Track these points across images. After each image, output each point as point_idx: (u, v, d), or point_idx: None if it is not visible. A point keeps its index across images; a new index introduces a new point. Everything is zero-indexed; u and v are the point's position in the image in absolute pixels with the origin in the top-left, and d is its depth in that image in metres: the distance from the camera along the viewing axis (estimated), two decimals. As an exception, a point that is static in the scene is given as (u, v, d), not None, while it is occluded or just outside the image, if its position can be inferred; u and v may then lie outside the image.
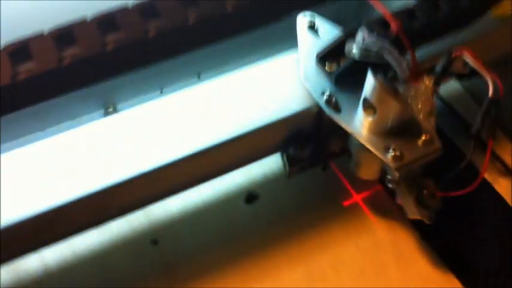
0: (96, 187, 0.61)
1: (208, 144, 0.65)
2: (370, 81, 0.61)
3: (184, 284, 0.72)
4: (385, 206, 0.80)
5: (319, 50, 0.68)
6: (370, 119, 0.63)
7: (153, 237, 0.76)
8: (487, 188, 0.82)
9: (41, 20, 0.67)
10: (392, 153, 0.62)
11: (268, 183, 0.82)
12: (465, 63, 0.68)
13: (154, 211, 0.78)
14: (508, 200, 0.80)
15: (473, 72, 0.68)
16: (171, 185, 0.67)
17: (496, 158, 0.84)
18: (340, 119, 0.65)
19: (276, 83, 0.70)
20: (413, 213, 0.66)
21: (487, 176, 0.80)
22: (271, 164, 0.83)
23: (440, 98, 0.87)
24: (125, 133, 0.65)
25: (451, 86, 0.88)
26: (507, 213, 0.80)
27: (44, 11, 0.74)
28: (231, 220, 0.77)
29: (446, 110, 0.89)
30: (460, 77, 0.70)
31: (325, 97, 0.66)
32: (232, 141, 0.66)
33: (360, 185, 0.82)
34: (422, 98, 0.64)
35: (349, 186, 0.82)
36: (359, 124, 0.65)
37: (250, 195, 0.81)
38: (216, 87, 0.69)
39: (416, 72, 0.63)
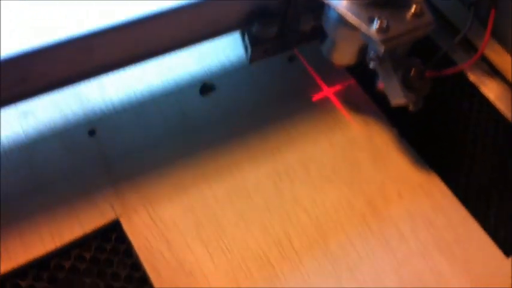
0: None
1: (160, 8, 0.54)
2: None
3: (123, 181, 0.64)
4: (360, 100, 0.73)
5: None
6: (353, -17, 0.54)
7: (91, 128, 0.66)
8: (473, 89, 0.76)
9: None
10: (378, 25, 0.53)
11: (226, 74, 0.73)
12: None
13: (92, 99, 0.69)
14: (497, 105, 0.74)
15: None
16: (113, 53, 0.57)
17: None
18: (316, -14, 0.55)
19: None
20: (397, 96, 0.58)
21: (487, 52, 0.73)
22: (229, 52, 0.74)
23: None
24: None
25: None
26: (494, 117, 0.74)
27: None
28: (183, 112, 0.69)
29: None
30: None
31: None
32: (186, 6, 0.56)
33: (330, 78, 0.74)
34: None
35: (318, 79, 0.74)
36: (338, -10, 0.55)
37: (205, 86, 0.72)
38: None
39: None
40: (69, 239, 0.59)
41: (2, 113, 0.65)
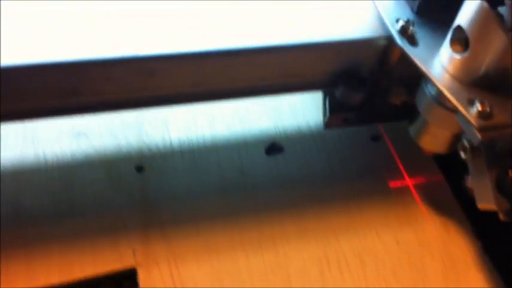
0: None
1: (231, 46, 0.49)
2: (470, 5, 0.44)
3: (155, 227, 0.57)
4: (443, 199, 0.63)
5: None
6: (458, 57, 0.46)
7: (140, 164, 0.61)
8: None
9: None
10: (479, 108, 0.44)
11: (300, 137, 0.66)
12: None
13: (151, 134, 0.65)
14: None
15: None
16: (174, 84, 0.52)
17: None
18: (415, 55, 0.48)
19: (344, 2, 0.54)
20: (486, 199, 0.48)
21: None
22: (308, 114, 0.69)
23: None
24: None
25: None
26: None
27: None
28: (242, 170, 0.63)
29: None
30: None
31: (400, 24, 0.49)
32: (269, 50, 0.50)
33: (415, 167, 0.65)
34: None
35: (401, 166, 0.65)
36: (439, 65, 0.48)
37: (273, 146, 0.65)
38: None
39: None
40: (77, 277, 0.53)
41: (55, 130, 0.63)
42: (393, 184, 0.64)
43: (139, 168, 0.62)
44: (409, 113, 0.57)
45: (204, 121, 0.67)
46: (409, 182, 0.64)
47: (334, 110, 0.57)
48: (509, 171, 0.47)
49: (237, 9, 0.52)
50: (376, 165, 0.65)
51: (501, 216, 0.48)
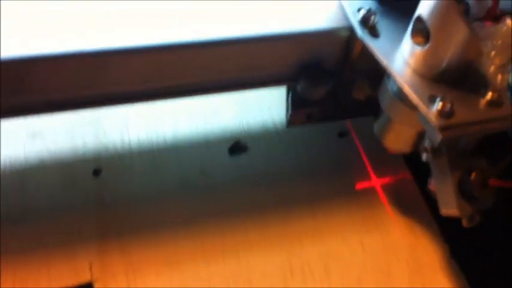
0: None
1: (191, 39, 0.47)
2: (430, -6, 0.42)
3: (112, 237, 0.54)
4: (412, 201, 0.61)
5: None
6: (419, 49, 0.44)
7: (97, 167, 0.59)
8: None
9: None
10: (440, 106, 0.42)
11: (265, 136, 0.64)
12: None
13: (109, 135, 0.62)
14: None
15: None
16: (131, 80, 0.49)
17: None
18: (376, 47, 0.46)
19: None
20: (448, 205, 0.46)
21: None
22: (274, 112, 0.66)
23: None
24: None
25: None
26: None
27: None
28: (203, 171, 0.60)
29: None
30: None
31: (361, 14, 0.47)
32: (227, 43, 0.48)
33: (383, 166, 0.63)
34: (498, 44, 0.44)
35: (368, 165, 0.63)
36: (401, 58, 0.45)
37: (236, 145, 0.63)
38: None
39: (495, 12, 0.44)
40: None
41: (10, 130, 0.60)
42: (360, 185, 0.61)
43: (96, 171, 0.59)
44: (375, 108, 0.54)
45: (166, 119, 0.64)
46: (376, 182, 0.62)
47: (297, 106, 0.55)
48: (473, 173, 0.44)
49: (195, 2, 0.50)
50: (343, 164, 0.63)
51: (464, 223, 0.45)
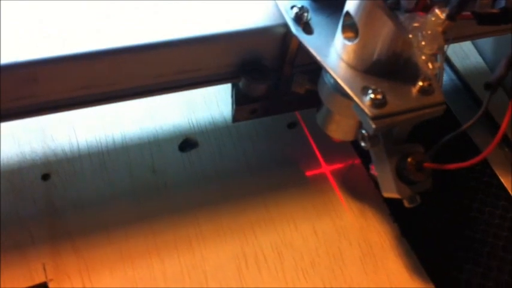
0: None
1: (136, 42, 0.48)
2: (356, -10, 0.44)
3: (64, 238, 0.57)
4: (361, 185, 0.64)
5: None
6: (349, 44, 0.46)
7: (46, 171, 0.61)
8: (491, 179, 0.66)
9: None
10: (372, 96, 0.45)
11: (214, 131, 0.66)
12: (494, 0, 0.51)
13: (57, 139, 0.63)
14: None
15: (504, 14, 0.51)
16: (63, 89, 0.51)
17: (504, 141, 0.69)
18: (309, 43, 0.48)
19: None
20: (389, 188, 0.49)
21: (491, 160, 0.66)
22: (223, 107, 0.69)
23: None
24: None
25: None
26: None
27: None
28: (153, 169, 0.62)
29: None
30: (484, 19, 0.53)
31: (294, 11, 0.49)
32: (164, 45, 0.50)
33: (333, 153, 0.66)
34: (428, 33, 0.48)
35: (317, 152, 0.66)
36: (335, 53, 0.48)
37: (186, 142, 0.65)
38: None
39: (425, 3, 0.47)
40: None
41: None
42: (310, 172, 0.64)
43: (45, 176, 0.61)
44: (318, 100, 0.57)
45: (113, 120, 0.66)
46: (325, 169, 0.65)
47: (241, 103, 0.57)
48: (408, 158, 0.48)
49: (129, 5, 0.51)
50: (293, 153, 0.65)
51: (405, 203, 0.49)
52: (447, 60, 0.76)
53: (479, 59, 0.77)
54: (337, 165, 0.65)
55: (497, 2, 0.53)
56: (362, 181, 0.65)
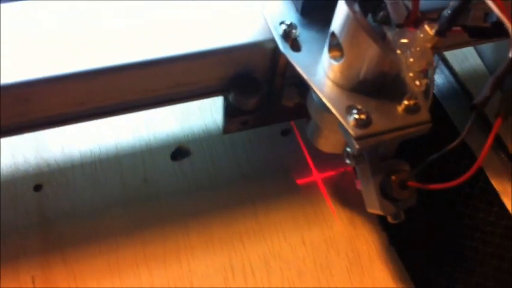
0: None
1: (131, 60, 0.50)
2: (340, 10, 0.46)
3: (54, 250, 0.58)
4: (351, 193, 0.66)
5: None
6: (335, 63, 0.48)
7: (38, 182, 0.63)
8: (485, 185, 0.67)
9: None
10: (356, 117, 0.46)
11: (207, 140, 0.68)
12: (486, 13, 0.52)
13: (50, 149, 0.65)
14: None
15: (496, 28, 0.52)
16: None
17: (499, 146, 0.70)
18: (296, 61, 0.50)
19: (233, 6, 0.55)
20: (373, 205, 0.51)
21: (486, 166, 0.67)
22: (217, 116, 0.70)
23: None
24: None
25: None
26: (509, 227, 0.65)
27: None
28: (145, 178, 0.64)
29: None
30: (475, 33, 0.54)
31: (282, 28, 0.51)
32: (165, 61, 0.52)
33: (325, 160, 0.67)
34: (417, 50, 0.48)
35: (309, 160, 0.68)
36: (322, 71, 0.50)
37: (179, 150, 0.67)
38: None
39: (416, 16, 0.47)
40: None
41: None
42: (301, 181, 0.66)
43: (37, 187, 0.62)
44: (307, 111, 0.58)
45: (107, 129, 0.67)
46: (317, 177, 0.67)
47: (231, 115, 0.59)
48: (393, 176, 0.49)
49: (121, 23, 0.53)
50: (286, 161, 0.67)
51: (389, 219, 0.51)
52: (445, 62, 0.77)
53: (479, 61, 0.77)
54: (329, 173, 0.67)
55: (490, 15, 0.54)
56: (353, 189, 0.66)
